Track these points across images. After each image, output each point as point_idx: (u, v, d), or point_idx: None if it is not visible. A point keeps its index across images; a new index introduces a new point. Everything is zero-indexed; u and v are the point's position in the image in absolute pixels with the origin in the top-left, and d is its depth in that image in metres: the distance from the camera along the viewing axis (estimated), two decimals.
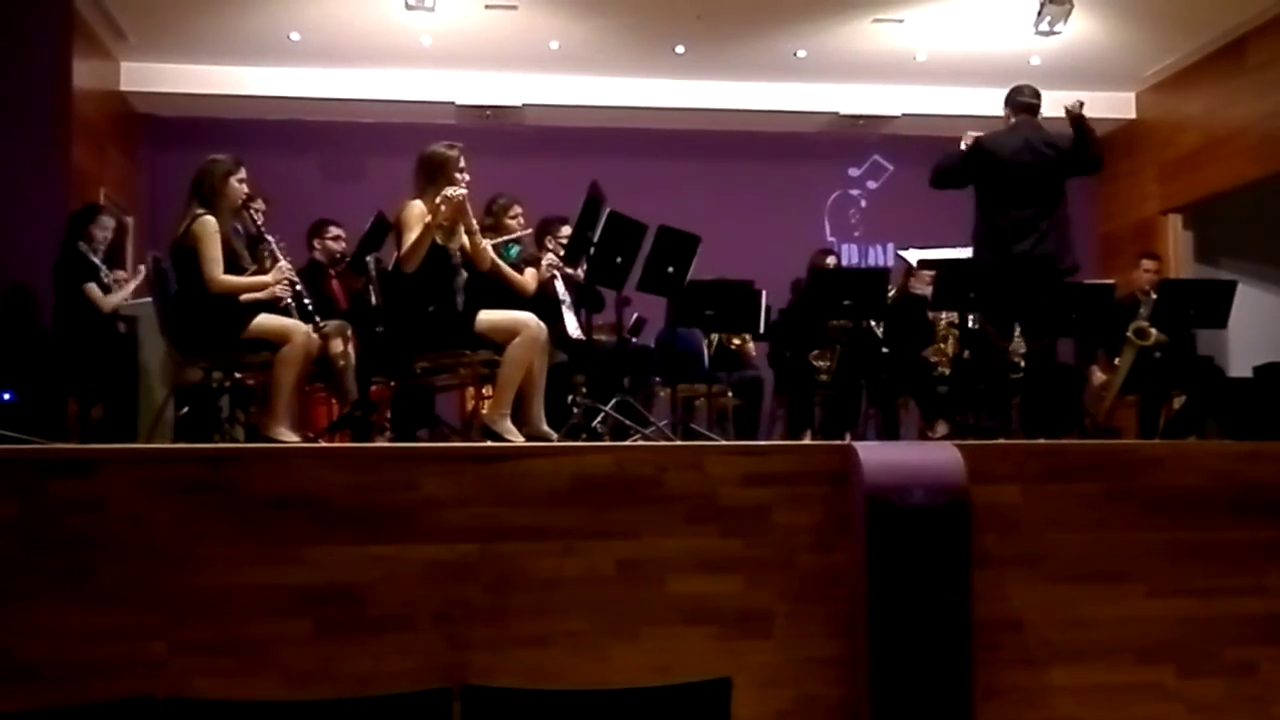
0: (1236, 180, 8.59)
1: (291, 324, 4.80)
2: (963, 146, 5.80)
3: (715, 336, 6.77)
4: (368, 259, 5.78)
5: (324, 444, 5.02)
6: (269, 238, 5.19)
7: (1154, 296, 6.83)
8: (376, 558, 3.71)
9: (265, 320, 4.78)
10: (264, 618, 3.65)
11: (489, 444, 4.37)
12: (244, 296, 4.84)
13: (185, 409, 5.44)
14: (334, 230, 6.57)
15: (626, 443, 4.90)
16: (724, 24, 8.26)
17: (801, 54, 8.84)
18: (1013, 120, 5.87)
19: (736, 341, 6.94)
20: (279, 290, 4.93)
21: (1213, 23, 8.38)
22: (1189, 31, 8.54)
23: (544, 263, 5.79)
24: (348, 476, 3.76)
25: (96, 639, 3.58)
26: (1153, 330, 6.55)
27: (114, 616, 3.59)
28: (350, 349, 5.62)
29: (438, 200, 4.85)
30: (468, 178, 5.03)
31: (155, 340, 5.59)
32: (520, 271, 5.77)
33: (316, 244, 6.54)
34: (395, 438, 5.45)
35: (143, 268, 5.96)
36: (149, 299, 5.65)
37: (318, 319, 5.11)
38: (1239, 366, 8.33)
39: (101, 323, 6.01)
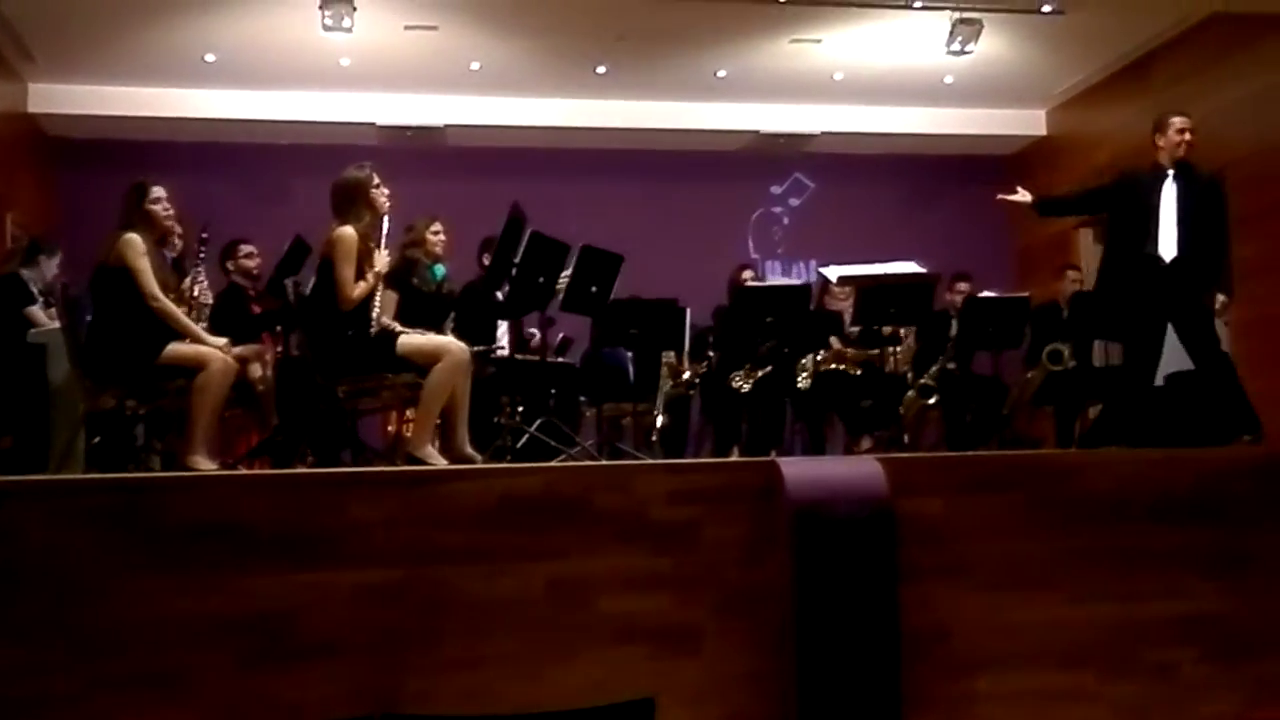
0: None
1: (207, 351, 4.72)
2: None
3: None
4: (286, 282, 5.71)
5: (244, 471, 4.93)
6: (198, 266, 5.14)
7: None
8: (301, 585, 3.65)
9: (179, 348, 4.70)
10: (184, 649, 3.57)
11: (414, 468, 4.33)
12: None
13: (98, 438, 5.31)
14: (245, 249, 6.46)
15: (553, 463, 4.88)
16: (645, 44, 8.31)
17: (722, 74, 8.93)
18: None
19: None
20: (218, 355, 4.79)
21: (1118, 42, 8.62)
22: (1096, 51, 8.77)
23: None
24: (269, 502, 3.70)
25: (8, 676, 3.46)
26: (1065, 352, 6.70)
27: (26, 652, 3.48)
28: (269, 373, 5.53)
29: (372, 275, 4.82)
30: (387, 191, 4.99)
31: (64, 368, 5.45)
32: (441, 289, 5.74)
33: (230, 265, 6.43)
34: (317, 462, 5.36)
35: None
36: (57, 326, 5.53)
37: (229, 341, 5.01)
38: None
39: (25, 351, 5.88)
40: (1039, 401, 6.91)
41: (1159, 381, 8.34)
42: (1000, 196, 6.26)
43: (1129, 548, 4.34)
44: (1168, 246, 5.57)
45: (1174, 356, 8.53)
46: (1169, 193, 5.62)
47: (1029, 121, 10.01)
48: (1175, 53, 8.50)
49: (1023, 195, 6.13)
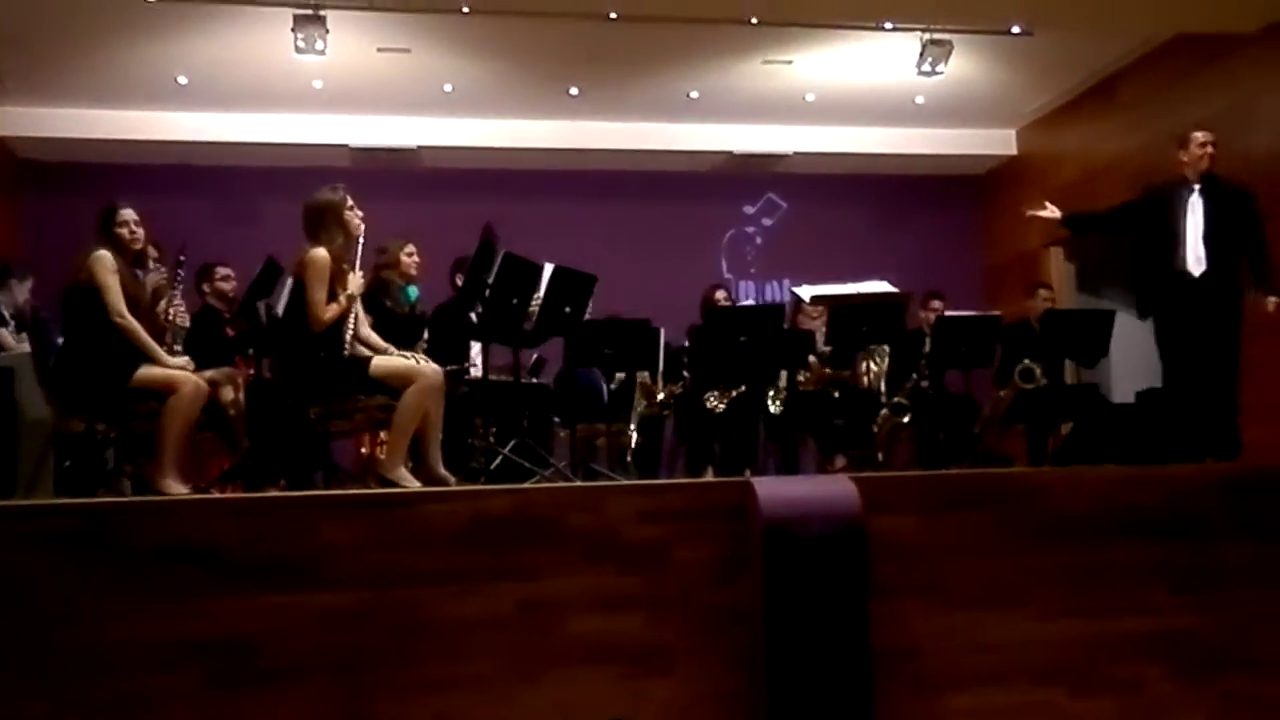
0: None
1: (178, 374, 4.71)
2: None
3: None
4: (258, 304, 5.69)
5: (215, 494, 4.91)
6: (174, 290, 5.13)
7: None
8: (271, 607, 3.63)
9: (151, 371, 4.68)
10: (153, 673, 3.54)
11: (386, 490, 4.32)
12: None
13: (67, 462, 5.27)
14: (222, 271, 6.45)
15: (526, 484, 4.88)
16: (617, 65, 8.35)
17: (694, 94, 8.98)
18: None
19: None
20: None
21: (1084, 63, 8.73)
22: (1063, 71, 8.88)
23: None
24: (239, 526, 3.68)
25: None
26: (1036, 370, 6.74)
27: None
28: (241, 396, 5.51)
29: (344, 297, 4.82)
30: (361, 214, 4.99)
31: (32, 391, 5.42)
32: (414, 310, 5.75)
33: (206, 287, 6.42)
34: (289, 485, 5.34)
35: None
36: (26, 349, 5.50)
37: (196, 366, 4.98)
38: (1122, 393, 8.61)
39: None
40: (1010, 420, 6.95)
41: (1129, 399, 8.44)
42: (1029, 212, 6.27)
43: (1100, 564, 4.37)
44: (1195, 261, 5.61)
45: (1146, 373, 8.64)
46: (1195, 207, 5.68)
47: (1000, 141, 10.11)
48: (1141, 72, 8.62)
49: (1051, 211, 6.15)
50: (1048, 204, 6.21)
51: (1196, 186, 5.69)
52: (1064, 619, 4.27)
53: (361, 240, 4.99)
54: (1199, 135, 5.80)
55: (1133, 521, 4.45)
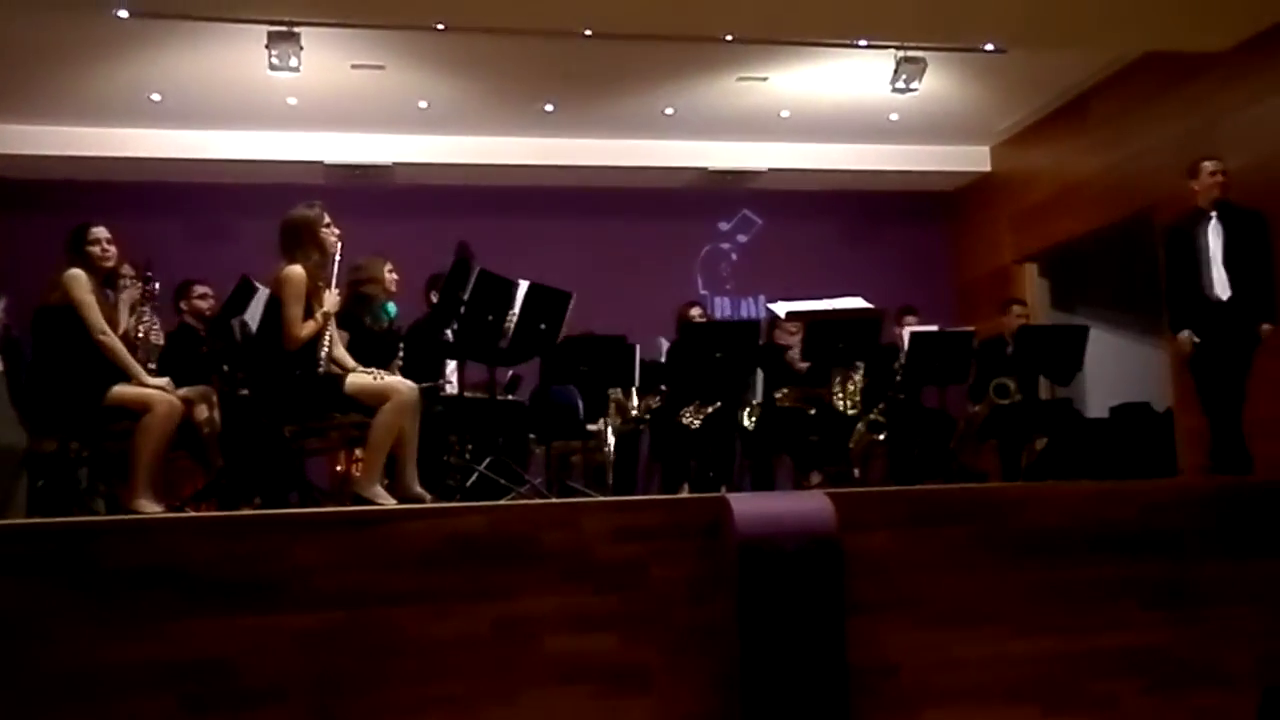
0: (1085, 229, 8.98)
1: (152, 393, 4.67)
2: None
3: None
4: (233, 322, 5.67)
5: (188, 514, 4.87)
6: (143, 307, 5.09)
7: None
8: (245, 628, 3.60)
9: (124, 390, 4.65)
10: (128, 695, 3.51)
11: (361, 508, 4.29)
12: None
13: (40, 482, 5.22)
14: (200, 289, 6.40)
15: (501, 502, 4.86)
16: (592, 82, 8.37)
17: (669, 111, 9.00)
18: None
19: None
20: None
21: (1056, 81, 8.79)
22: (1036, 89, 8.94)
23: None
24: (213, 546, 3.65)
25: None
26: (1011, 385, 6.78)
27: None
28: (216, 415, 5.47)
29: (320, 315, 4.80)
30: (337, 231, 4.97)
31: (5, 411, 5.36)
32: (390, 328, 5.73)
33: (184, 305, 6.37)
34: (264, 504, 5.31)
35: None
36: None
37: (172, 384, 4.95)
38: (1096, 408, 8.67)
39: None
40: (985, 435, 6.99)
41: (1103, 414, 8.50)
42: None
43: (1074, 580, 4.39)
44: (1221, 286, 5.70)
45: (1118, 389, 8.71)
46: (1214, 234, 5.76)
47: (973, 158, 10.17)
48: (1112, 91, 8.69)
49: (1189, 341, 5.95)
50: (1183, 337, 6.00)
51: (1213, 214, 5.77)
52: (1038, 635, 4.29)
53: (338, 257, 4.97)
54: (1208, 165, 5.90)
55: (1106, 537, 4.47)
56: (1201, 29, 7.23)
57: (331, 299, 4.87)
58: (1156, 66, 8.09)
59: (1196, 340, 5.83)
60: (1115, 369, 8.92)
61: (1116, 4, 6.81)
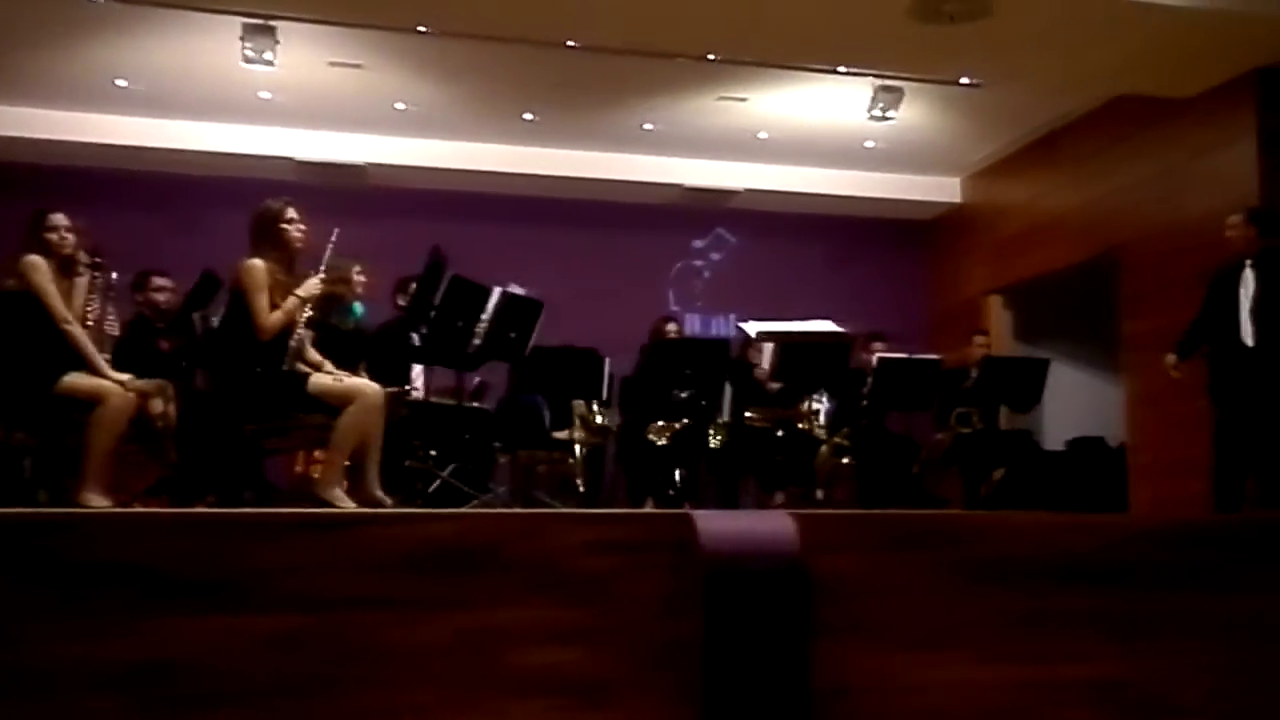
0: (1053, 265, 9.08)
1: (105, 384, 4.57)
2: None
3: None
4: (194, 316, 5.57)
5: (143, 509, 4.76)
6: (93, 296, 4.98)
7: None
8: (204, 630, 3.49)
9: (76, 379, 4.54)
10: (77, 697, 3.39)
11: (327, 510, 4.21)
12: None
13: None
14: (158, 281, 6.28)
15: (466, 510, 4.80)
16: (573, 93, 8.35)
17: (649, 127, 9.00)
18: None
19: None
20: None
21: (1031, 117, 8.90)
22: (1009, 124, 9.05)
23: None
24: (174, 543, 3.54)
25: None
26: (973, 415, 6.83)
27: None
28: (171, 409, 5.37)
29: (301, 293, 4.72)
30: (302, 227, 4.89)
31: None
32: (357, 330, 5.66)
33: (139, 297, 6.26)
34: (218, 503, 5.21)
35: None
36: None
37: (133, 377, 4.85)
38: (1053, 440, 8.75)
39: None
40: (948, 462, 7.03)
41: (1060, 446, 8.58)
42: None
43: (1036, 610, 4.37)
44: (1249, 333, 5.75)
45: (1074, 422, 8.80)
46: (1247, 281, 5.81)
47: (945, 189, 10.27)
48: (1083, 130, 8.80)
49: (1172, 367, 6.10)
50: (1171, 361, 6.14)
51: (1248, 262, 5.83)
52: (1001, 663, 4.26)
53: (330, 252, 4.89)
54: (1229, 219, 5.97)
55: (1067, 568, 4.47)
56: (1170, 76, 7.36)
57: (311, 284, 4.78)
58: (1127, 109, 8.20)
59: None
60: (1073, 403, 9.02)
61: (1091, 48, 6.91)
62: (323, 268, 4.86)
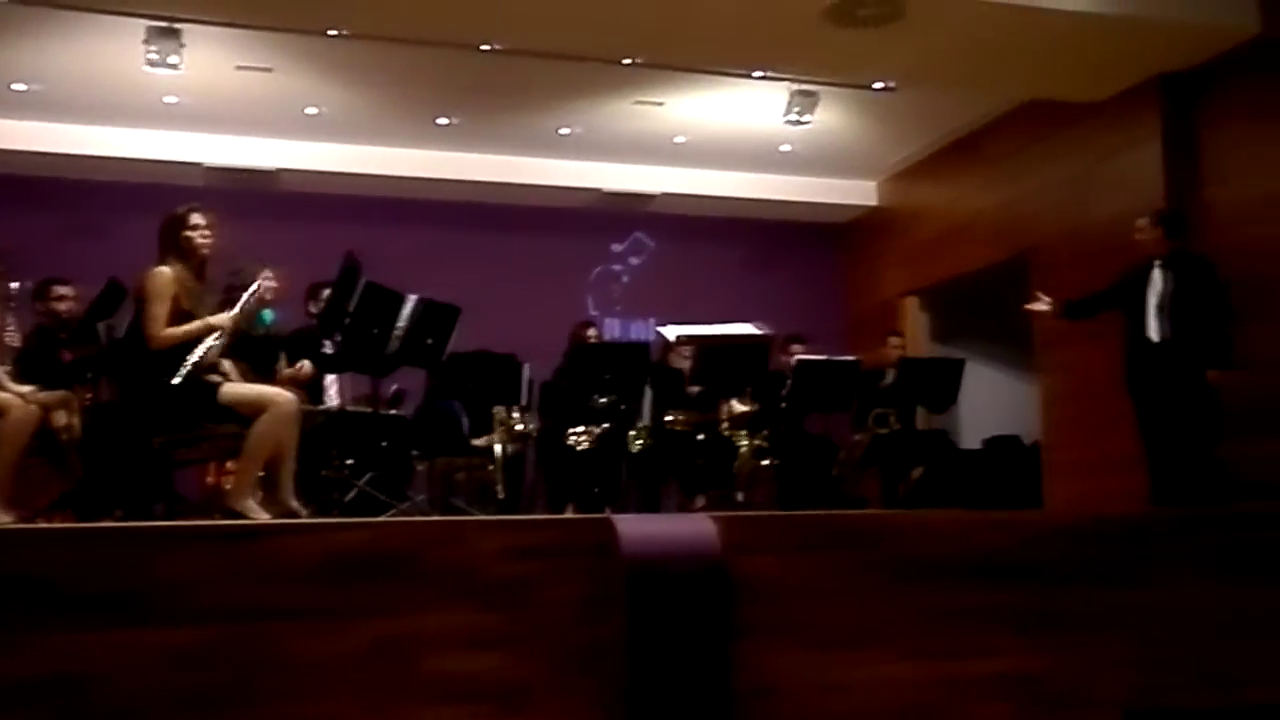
0: (967, 266, 9.21)
1: (6, 396, 4.44)
2: None
3: None
4: (99, 325, 5.42)
5: (43, 524, 4.62)
6: None
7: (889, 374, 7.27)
8: (107, 645, 3.39)
9: None
10: None
11: (236, 522, 4.12)
12: None
13: None
14: (60, 290, 6.08)
15: (382, 518, 4.73)
16: (489, 97, 8.29)
17: (565, 131, 8.97)
18: None
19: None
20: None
21: (943, 121, 9.04)
22: (924, 128, 9.17)
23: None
24: (74, 556, 3.44)
25: None
26: (891, 415, 6.91)
27: None
28: (75, 421, 5.22)
29: (213, 320, 4.61)
30: (208, 234, 4.76)
31: None
32: (266, 334, 5.55)
33: (41, 307, 6.06)
34: (126, 516, 5.07)
35: None
36: None
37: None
38: (970, 439, 8.89)
39: None
40: (866, 463, 7.09)
41: (977, 445, 8.72)
42: (1028, 307, 6.43)
43: (955, 607, 4.43)
44: (1156, 330, 5.86)
45: (990, 421, 8.95)
46: (1155, 280, 5.91)
47: (861, 192, 10.37)
48: (996, 134, 8.95)
49: (1045, 304, 6.31)
50: (1040, 296, 6.37)
51: (1157, 262, 5.95)
52: (919, 660, 4.31)
53: (250, 262, 4.78)
54: (1137, 222, 6.09)
55: (984, 565, 4.53)
56: (1082, 80, 7.51)
57: (224, 316, 4.67)
58: (1039, 113, 8.35)
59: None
60: (989, 402, 9.16)
61: (1002, 53, 7.03)
62: (237, 309, 4.75)
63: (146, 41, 7.02)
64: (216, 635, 3.46)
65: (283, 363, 5.77)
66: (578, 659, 3.91)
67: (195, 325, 4.58)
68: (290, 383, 5.56)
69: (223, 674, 3.45)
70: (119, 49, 7.23)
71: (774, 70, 7.90)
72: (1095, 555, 4.85)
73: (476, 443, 6.69)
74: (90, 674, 3.36)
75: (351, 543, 3.69)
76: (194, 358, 4.55)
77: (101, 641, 3.37)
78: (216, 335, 4.61)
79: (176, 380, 4.47)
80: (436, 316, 5.56)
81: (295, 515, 4.52)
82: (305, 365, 5.83)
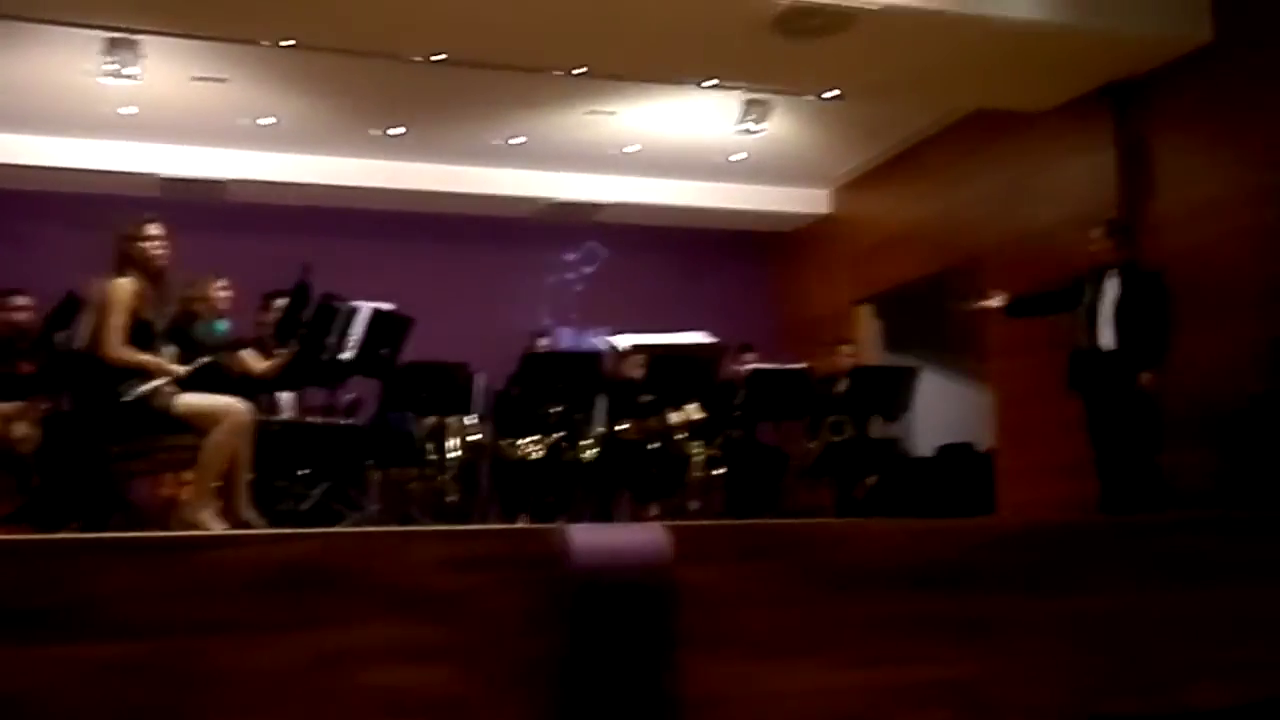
0: (917, 274, 9.31)
1: None
2: None
3: None
4: (56, 336, 5.42)
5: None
6: None
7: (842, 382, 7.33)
8: (42, 660, 3.39)
9: None
10: None
11: (179, 533, 4.14)
12: None
13: None
14: (18, 300, 6.08)
15: (333, 529, 4.76)
16: (440, 108, 8.31)
17: (516, 140, 9.00)
18: None
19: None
20: None
21: (894, 130, 9.14)
22: (875, 136, 9.27)
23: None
24: (10, 570, 3.45)
25: None
26: (845, 423, 6.99)
27: None
28: (35, 432, 5.21)
29: (169, 366, 4.66)
30: (162, 245, 4.79)
31: None
32: (219, 345, 5.56)
33: None
34: (83, 528, 5.07)
35: None
36: None
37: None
38: (923, 447, 8.98)
39: None
40: (819, 472, 7.16)
41: (930, 453, 8.81)
42: (973, 305, 6.56)
43: (894, 615, 4.49)
44: (1107, 338, 5.99)
45: (943, 429, 9.05)
46: (1108, 289, 6.04)
47: (813, 200, 10.44)
48: (945, 143, 9.06)
49: (998, 300, 6.41)
50: (991, 293, 6.49)
51: (1110, 272, 6.07)
52: (859, 668, 4.37)
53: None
54: (1091, 232, 6.23)
55: (924, 573, 4.60)
56: (1025, 90, 7.63)
57: (177, 370, 4.70)
58: (987, 122, 8.45)
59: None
60: (942, 409, 9.25)
61: (950, 63, 7.13)
62: (192, 367, 4.77)
63: (104, 53, 7.01)
64: (152, 650, 3.46)
65: (250, 355, 5.74)
66: (520, 672, 3.95)
67: (150, 361, 4.61)
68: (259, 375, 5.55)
69: (153, 690, 3.45)
70: (76, 60, 7.22)
71: (725, 79, 7.95)
72: (1035, 562, 4.95)
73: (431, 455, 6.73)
74: (15, 691, 3.35)
75: (291, 554, 3.70)
76: (145, 389, 4.58)
77: (26, 657, 3.37)
78: (167, 380, 4.64)
79: (128, 399, 4.50)
80: (389, 326, 5.59)
81: (250, 526, 4.55)
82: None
